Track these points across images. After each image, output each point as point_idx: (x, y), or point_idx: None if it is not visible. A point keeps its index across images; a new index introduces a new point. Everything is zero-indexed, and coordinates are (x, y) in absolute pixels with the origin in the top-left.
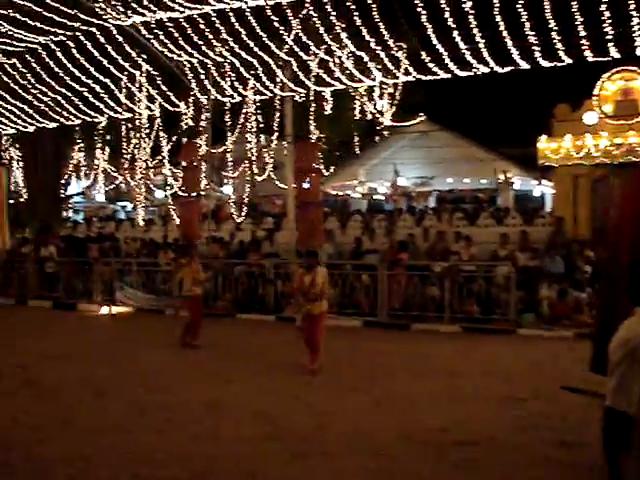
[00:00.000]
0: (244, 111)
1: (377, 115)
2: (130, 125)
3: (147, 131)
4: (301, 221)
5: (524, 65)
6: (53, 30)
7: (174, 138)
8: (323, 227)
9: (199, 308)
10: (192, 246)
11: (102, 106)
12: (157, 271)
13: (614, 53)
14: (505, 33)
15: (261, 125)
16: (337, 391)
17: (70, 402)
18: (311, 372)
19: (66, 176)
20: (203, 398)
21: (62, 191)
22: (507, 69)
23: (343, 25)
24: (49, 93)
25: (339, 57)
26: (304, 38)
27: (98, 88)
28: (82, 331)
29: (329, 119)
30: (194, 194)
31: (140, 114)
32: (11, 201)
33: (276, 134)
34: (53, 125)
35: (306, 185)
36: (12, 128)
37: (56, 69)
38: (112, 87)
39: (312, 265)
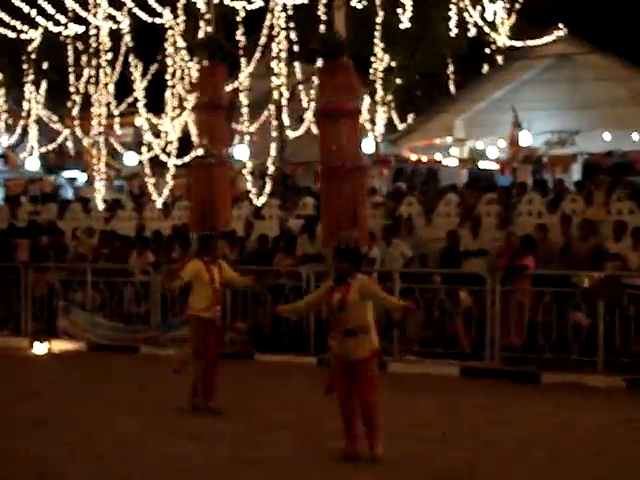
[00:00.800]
0: (268, 23)
1: (486, 29)
2: (81, 46)
3: (109, 56)
4: (329, 200)
5: None
6: None
7: (153, 67)
8: (366, 209)
9: (213, 339)
10: (213, 238)
11: (34, 13)
12: (127, 283)
13: None
14: None
15: (296, 47)
16: None
17: None
18: (371, 458)
19: None
20: None
21: None
22: None
23: None
24: None
25: None
26: None
27: None
28: (2, 383)
29: (406, 37)
30: (212, 154)
31: (97, 27)
32: None
33: (320, 61)
34: None
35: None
36: None
37: None
38: None
39: (345, 274)
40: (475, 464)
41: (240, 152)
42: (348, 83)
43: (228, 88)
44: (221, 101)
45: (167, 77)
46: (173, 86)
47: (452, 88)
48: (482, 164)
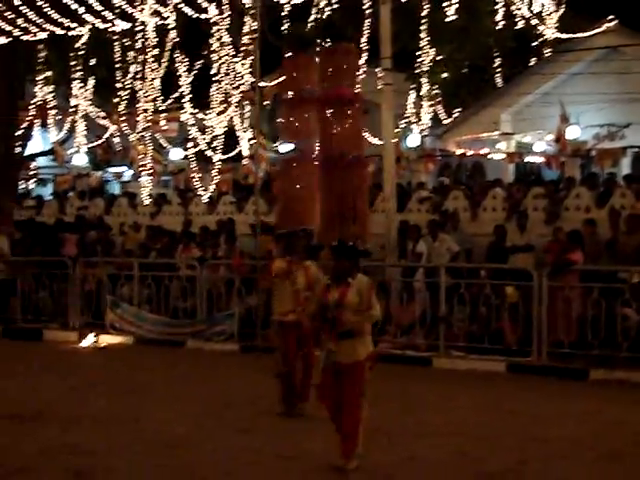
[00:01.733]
0: (312, 17)
1: (534, 22)
2: (128, 42)
3: (155, 52)
4: (328, 193)
5: None
6: None
7: (198, 63)
8: (366, 203)
9: (302, 342)
10: (298, 237)
11: (82, 10)
12: (173, 278)
13: None
14: None
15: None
16: None
17: None
18: (341, 468)
19: (24, 125)
20: None
21: (17, 149)
22: None
23: None
24: None
25: None
26: None
27: None
28: (52, 375)
29: (453, 30)
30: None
31: (143, 24)
32: None
33: (364, 55)
34: (2, 41)
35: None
36: None
37: None
38: None
39: (345, 273)
40: (522, 461)
41: (283, 146)
42: (349, 69)
43: (273, 82)
44: (309, 94)
45: (212, 72)
46: (218, 81)
47: (499, 81)
48: (529, 158)
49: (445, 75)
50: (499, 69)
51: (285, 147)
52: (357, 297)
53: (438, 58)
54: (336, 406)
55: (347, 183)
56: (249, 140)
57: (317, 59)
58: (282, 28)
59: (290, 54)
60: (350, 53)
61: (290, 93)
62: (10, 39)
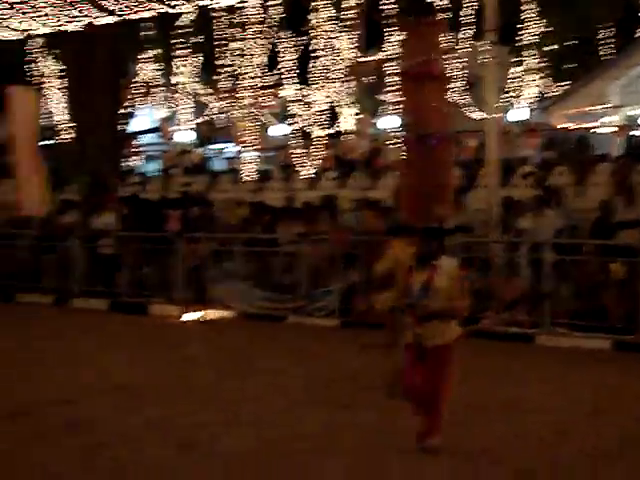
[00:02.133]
0: None
1: None
2: (232, 19)
3: (259, 28)
4: (413, 172)
5: None
6: None
7: (301, 39)
8: (452, 182)
9: None
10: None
11: None
12: (275, 254)
13: None
14: None
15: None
16: None
17: (137, 459)
18: (426, 447)
19: (129, 103)
20: None
21: (123, 127)
22: None
23: None
24: None
25: None
26: None
27: None
28: (156, 347)
29: (558, 1)
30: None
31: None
32: (46, 142)
33: (468, 29)
34: (108, 21)
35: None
36: (44, 27)
37: None
38: None
39: (432, 256)
40: (625, 439)
41: (386, 123)
42: (435, 44)
43: (374, 58)
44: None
45: (314, 48)
46: (320, 57)
47: (607, 53)
48: (638, 132)
49: (551, 47)
50: (609, 39)
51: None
52: (446, 282)
53: (544, 30)
54: (415, 385)
55: (431, 161)
56: (352, 115)
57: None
58: (383, 2)
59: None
60: (436, 25)
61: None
62: (115, 18)
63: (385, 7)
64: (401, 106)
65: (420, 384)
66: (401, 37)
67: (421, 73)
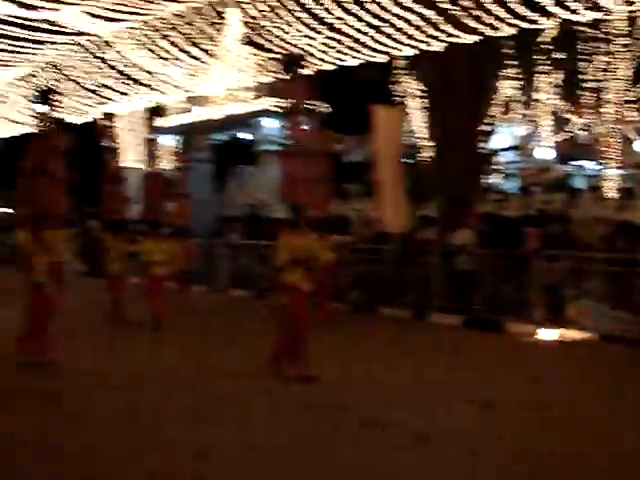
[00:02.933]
0: None
1: None
2: (597, 33)
3: (624, 42)
4: None
5: None
6: None
7: None
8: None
9: None
10: None
11: (548, 2)
12: (637, 274)
13: None
14: None
15: None
16: None
17: None
18: None
19: (489, 120)
20: None
21: (483, 144)
22: None
23: None
24: None
25: None
26: None
27: None
28: (508, 366)
29: None
30: None
31: (610, 12)
32: (408, 160)
33: None
34: (471, 40)
35: None
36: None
37: None
38: None
39: None
40: None
41: None
42: None
43: None
44: None
45: None
46: None
47: None
48: None
49: None
50: None
51: None
52: None
53: None
54: None
55: None
56: None
57: None
58: None
59: None
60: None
61: None
62: (478, 38)
63: None
64: None
65: None
66: None
67: None
